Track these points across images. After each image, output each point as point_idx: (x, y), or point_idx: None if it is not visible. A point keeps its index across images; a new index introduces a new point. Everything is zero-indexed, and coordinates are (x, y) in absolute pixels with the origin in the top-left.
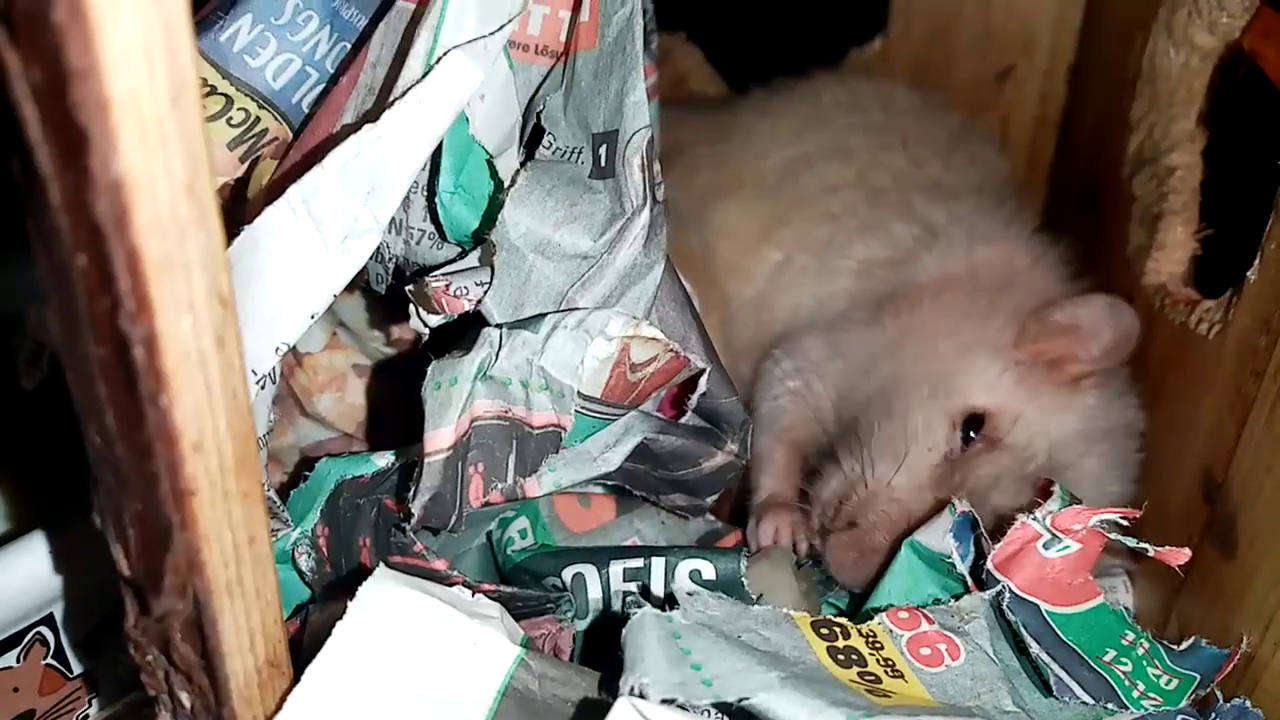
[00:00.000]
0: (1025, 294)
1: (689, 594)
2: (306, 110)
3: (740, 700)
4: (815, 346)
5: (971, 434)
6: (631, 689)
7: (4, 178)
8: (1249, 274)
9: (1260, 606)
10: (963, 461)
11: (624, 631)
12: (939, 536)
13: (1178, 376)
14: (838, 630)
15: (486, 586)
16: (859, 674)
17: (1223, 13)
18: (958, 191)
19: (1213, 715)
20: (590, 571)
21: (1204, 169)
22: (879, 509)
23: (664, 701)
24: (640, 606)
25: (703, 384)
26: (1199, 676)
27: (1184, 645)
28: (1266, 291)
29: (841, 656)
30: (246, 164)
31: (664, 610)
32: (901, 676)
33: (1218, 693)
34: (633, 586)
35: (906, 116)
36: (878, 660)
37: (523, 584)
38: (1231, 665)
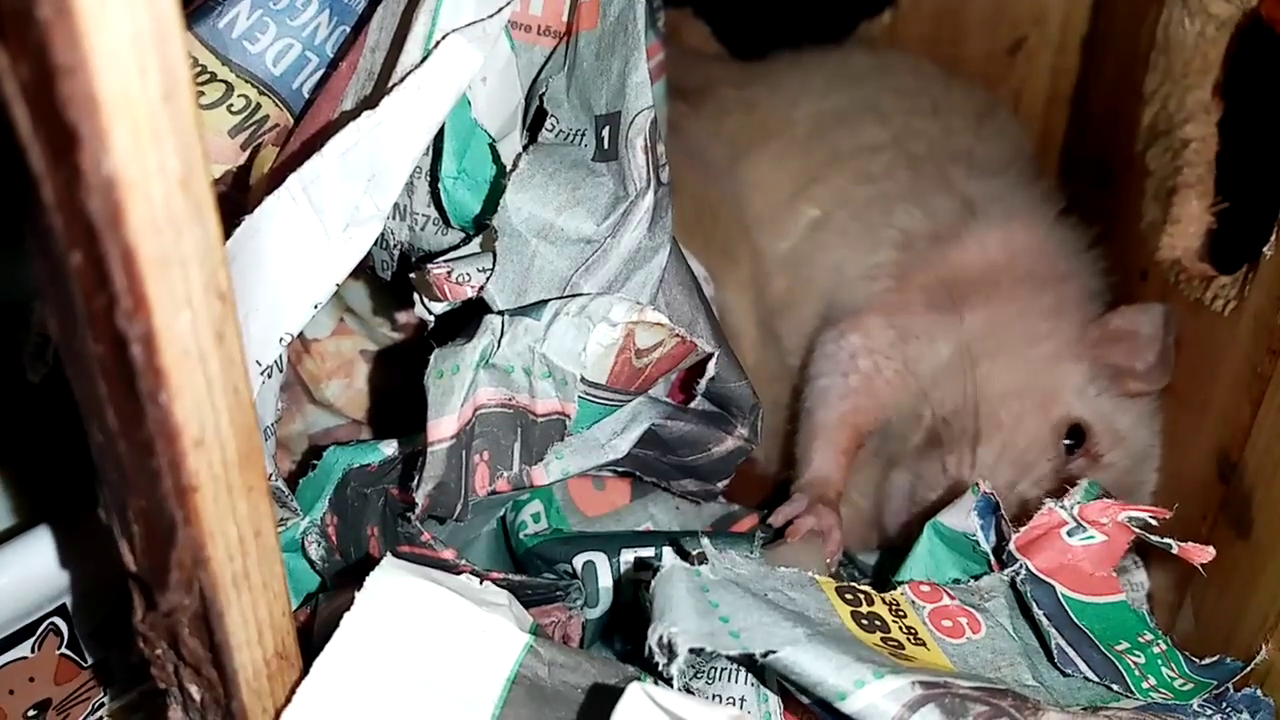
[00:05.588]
0: (1076, 284)
1: (716, 551)
2: (307, 96)
3: (766, 653)
4: (881, 329)
5: (1071, 444)
6: (660, 638)
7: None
8: (1265, 249)
9: (1276, 586)
10: (1065, 474)
11: (652, 583)
12: (961, 516)
13: (1192, 353)
14: (861, 597)
15: (495, 575)
16: (882, 639)
17: None
18: (991, 165)
19: (1224, 705)
20: (601, 559)
21: (1219, 141)
22: None
23: (692, 651)
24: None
25: (711, 368)
26: (1215, 682)
27: (1208, 660)
28: None
29: (865, 621)
30: (248, 151)
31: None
32: (924, 645)
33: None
34: (644, 576)
35: (935, 83)
36: (900, 628)
37: (535, 569)
38: (1249, 670)
